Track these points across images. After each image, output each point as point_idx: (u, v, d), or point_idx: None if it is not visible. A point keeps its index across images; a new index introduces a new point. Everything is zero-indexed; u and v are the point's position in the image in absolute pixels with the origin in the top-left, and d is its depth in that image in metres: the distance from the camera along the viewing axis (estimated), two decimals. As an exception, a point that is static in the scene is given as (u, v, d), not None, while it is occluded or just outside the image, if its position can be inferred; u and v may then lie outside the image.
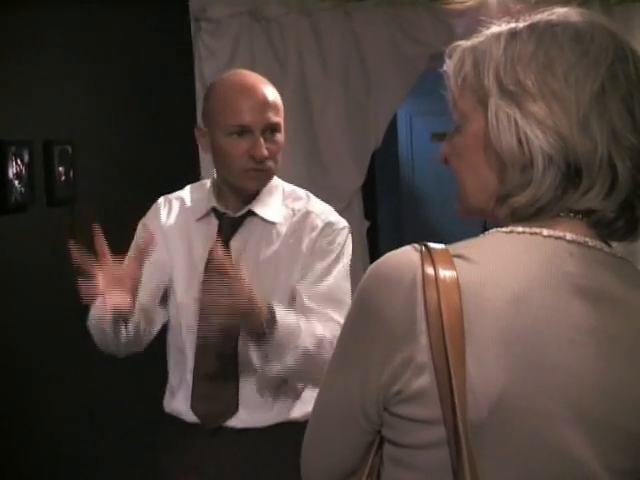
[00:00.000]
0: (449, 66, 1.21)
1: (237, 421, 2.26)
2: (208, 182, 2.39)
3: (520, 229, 1.13)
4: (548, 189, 1.10)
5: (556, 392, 1.07)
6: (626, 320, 1.11)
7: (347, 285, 2.29)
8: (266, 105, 2.19)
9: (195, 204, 2.35)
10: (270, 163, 2.20)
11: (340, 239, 2.29)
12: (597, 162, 1.08)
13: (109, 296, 2.02)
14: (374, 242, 5.86)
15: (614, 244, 1.20)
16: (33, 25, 3.37)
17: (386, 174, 8.13)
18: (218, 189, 2.31)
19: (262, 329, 2.05)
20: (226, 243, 2.21)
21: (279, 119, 2.21)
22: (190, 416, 2.28)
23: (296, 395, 2.29)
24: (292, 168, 4.86)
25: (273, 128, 2.20)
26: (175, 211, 2.36)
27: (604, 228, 1.15)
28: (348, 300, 2.18)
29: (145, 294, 2.23)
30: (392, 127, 7.77)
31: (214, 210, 2.30)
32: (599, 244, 1.14)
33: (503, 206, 1.15)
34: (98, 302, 2.11)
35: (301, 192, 2.40)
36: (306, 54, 4.76)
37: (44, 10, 3.44)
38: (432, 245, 1.12)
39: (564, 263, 1.10)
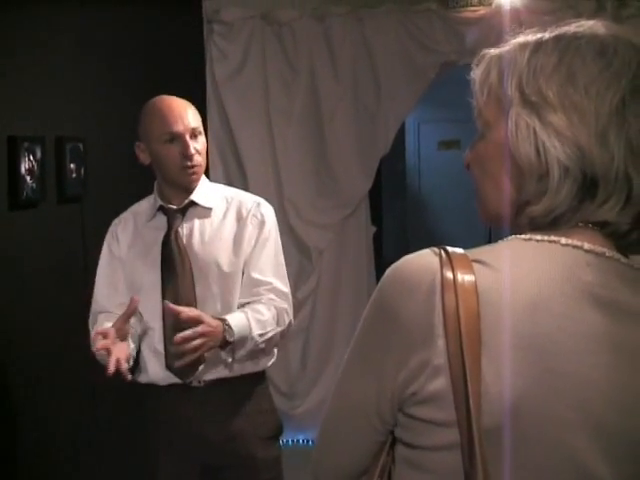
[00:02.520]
0: (476, 74, 1.22)
1: (203, 374, 2.64)
2: (151, 196, 2.82)
3: (539, 237, 1.13)
4: (564, 199, 1.10)
5: (570, 400, 1.07)
6: None
7: (281, 253, 2.79)
8: (186, 116, 2.67)
9: (144, 211, 2.80)
10: (199, 158, 2.67)
11: (270, 217, 2.78)
12: (613, 174, 1.08)
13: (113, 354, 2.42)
14: (379, 247, 5.88)
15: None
16: (47, 24, 3.39)
17: (393, 180, 8.15)
18: (161, 190, 2.75)
19: (225, 342, 2.52)
20: (176, 230, 2.70)
21: (199, 126, 2.69)
22: (165, 379, 2.66)
23: (251, 353, 2.66)
24: (300, 172, 4.89)
25: (195, 133, 2.66)
26: (129, 224, 2.81)
27: (619, 240, 1.14)
28: (283, 266, 2.77)
29: (124, 287, 2.73)
30: (400, 134, 7.78)
31: (161, 208, 2.73)
32: (616, 255, 1.13)
33: (522, 215, 1.15)
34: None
35: (226, 186, 2.95)
36: (317, 59, 4.79)
37: (57, 9, 3.47)
38: (451, 249, 1.13)
39: (581, 272, 1.10)
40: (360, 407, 1.18)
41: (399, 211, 8.46)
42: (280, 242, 2.80)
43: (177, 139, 2.62)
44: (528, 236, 1.14)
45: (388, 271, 1.15)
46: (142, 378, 2.71)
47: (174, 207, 2.71)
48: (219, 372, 2.65)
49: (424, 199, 8.77)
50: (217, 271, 2.66)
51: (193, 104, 2.68)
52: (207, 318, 2.46)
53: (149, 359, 2.70)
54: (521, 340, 1.06)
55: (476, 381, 1.04)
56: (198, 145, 2.66)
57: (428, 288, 1.09)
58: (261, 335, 2.58)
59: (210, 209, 2.72)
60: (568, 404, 1.07)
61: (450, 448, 1.08)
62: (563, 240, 1.12)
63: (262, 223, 2.73)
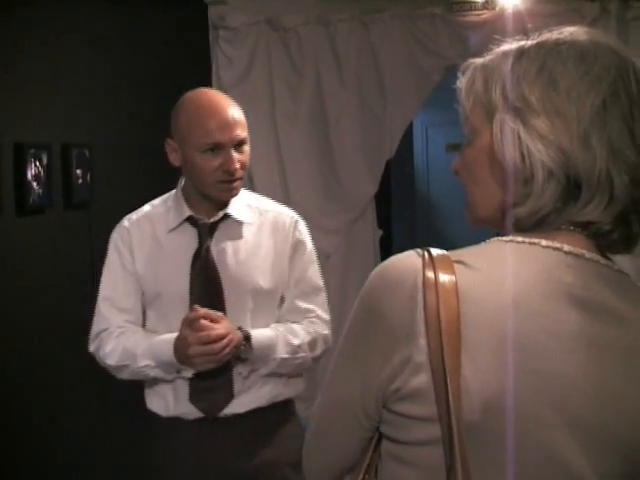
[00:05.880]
0: (462, 82, 1.25)
1: (233, 408, 2.45)
2: (170, 195, 2.55)
3: (520, 239, 1.16)
4: (548, 201, 1.13)
5: (549, 397, 1.09)
6: (619, 330, 1.13)
7: (320, 276, 2.59)
8: (234, 123, 2.37)
9: (163, 217, 2.50)
10: (241, 173, 2.40)
11: (307, 233, 2.56)
12: (596, 176, 1.11)
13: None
14: (388, 251, 5.89)
15: (625, 259, 1.24)
16: (52, 31, 3.42)
17: (401, 184, 8.16)
18: (190, 199, 2.47)
19: (238, 354, 2.36)
20: (207, 247, 2.43)
21: (245, 134, 2.40)
22: (192, 413, 2.44)
23: (282, 380, 2.51)
24: (306, 176, 4.91)
25: (241, 142, 2.38)
26: (144, 228, 2.50)
27: (601, 240, 1.17)
28: (324, 290, 2.57)
29: (136, 303, 2.52)
30: (408, 138, 7.79)
31: (188, 219, 2.46)
32: (596, 257, 1.16)
33: (508, 217, 1.18)
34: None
35: (256, 194, 2.65)
36: (323, 64, 4.81)
37: (63, 16, 3.50)
38: (434, 250, 1.16)
39: (561, 273, 1.13)
40: (346, 403, 1.22)
41: (408, 215, 8.46)
42: (314, 254, 2.59)
43: (219, 150, 2.34)
44: (510, 238, 1.18)
45: (374, 271, 1.19)
46: (161, 410, 2.49)
47: (206, 221, 2.45)
48: (250, 404, 2.45)
49: (433, 202, 8.77)
50: (252, 292, 2.44)
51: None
52: (226, 323, 2.32)
53: (170, 390, 2.47)
54: (500, 339, 1.09)
55: (456, 378, 1.07)
56: (242, 156, 2.39)
57: (411, 287, 1.12)
58: (288, 359, 2.43)
59: (244, 223, 2.47)
60: (547, 402, 1.09)
61: (433, 443, 1.11)
62: (543, 242, 1.15)
63: (302, 243, 2.52)
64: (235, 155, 2.35)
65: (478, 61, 1.25)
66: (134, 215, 2.55)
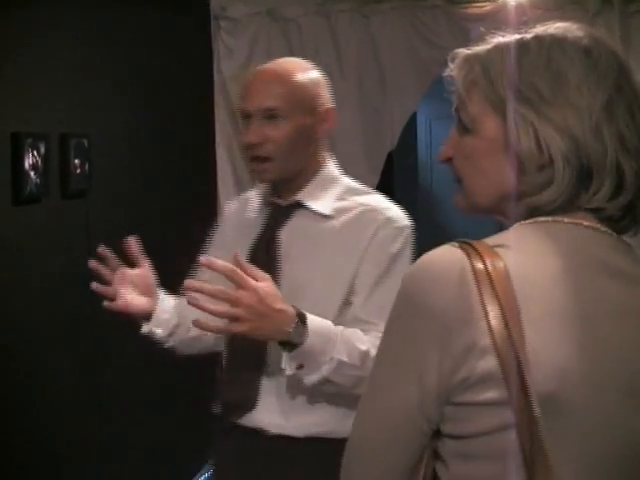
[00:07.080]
0: (453, 70, 1.30)
1: (250, 420, 2.15)
2: None
3: (542, 219, 1.21)
4: (567, 187, 1.19)
5: (605, 365, 1.14)
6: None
7: (395, 284, 2.15)
8: (266, 89, 2.05)
9: (257, 197, 2.30)
10: (268, 149, 2.06)
11: (400, 239, 2.14)
12: (607, 165, 1.18)
13: (125, 298, 2.09)
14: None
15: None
16: (50, 20, 3.41)
17: (405, 178, 8.16)
18: None
19: (288, 336, 1.89)
20: (272, 235, 2.17)
21: (278, 104, 2.05)
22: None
23: (322, 411, 2.12)
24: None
25: (271, 114, 2.06)
26: (240, 206, 2.32)
27: (612, 225, 1.24)
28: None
29: None
30: (411, 131, 7.78)
31: (270, 200, 2.23)
32: (609, 230, 1.23)
33: (519, 204, 1.22)
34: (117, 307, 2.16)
35: (366, 188, 2.29)
36: (323, 55, 4.78)
37: (60, 5, 3.49)
38: (469, 241, 1.18)
39: (588, 245, 1.20)
40: (402, 412, 1.18)
41: (410, 207, 8.46)
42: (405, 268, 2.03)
43: (248, 120, 2.06)
44: (532, 220, 1.22)
45: (409, 271, 1.20)
46: (215, 407, 2.24)
47: (279, 203, 2.18)
48: (265, 424, 2.10)
49: (436, 195, 8.78)
50: (310, 297, 2.07)
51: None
52: (266, 286, 1.85)
53: (219, 390, 2.24)
54: (557, 312, 1.14)
55: (524, 353, 1.09)
56: (274, 131, 2.05)
57: (459, 276, 1.13)
58: (346, 365, 1.95)
59: (321, 215, 2.13)
60: (604, 369, 1.15)
61: (505, 428, 1.11)
62: (566, 219, 1.21)
63: (384, 247, 2.11)
64: (260, 128, 2.03)
65: (469, 51, 1.29)
66: (245, 193, 2.36)
